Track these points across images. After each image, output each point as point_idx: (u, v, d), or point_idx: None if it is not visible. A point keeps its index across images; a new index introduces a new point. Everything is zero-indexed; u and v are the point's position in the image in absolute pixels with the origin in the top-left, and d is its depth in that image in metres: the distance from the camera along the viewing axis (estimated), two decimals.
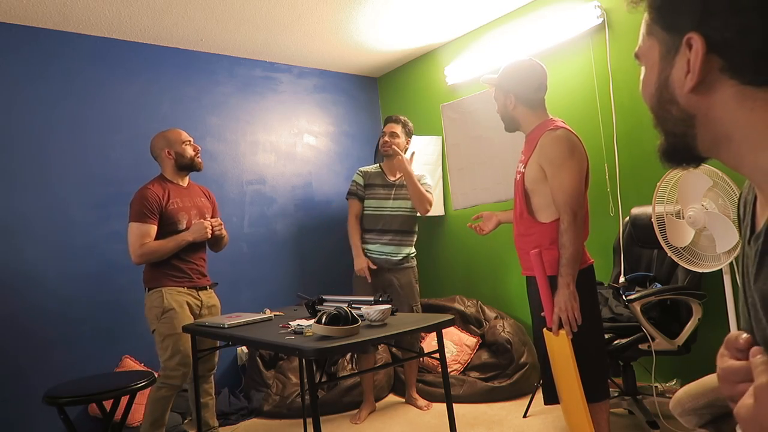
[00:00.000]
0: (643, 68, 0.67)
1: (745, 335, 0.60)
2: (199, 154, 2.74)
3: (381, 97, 4.80)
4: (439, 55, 4.17)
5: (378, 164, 3.42)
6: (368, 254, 3.29)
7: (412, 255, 3.35)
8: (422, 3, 3.38)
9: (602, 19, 3.08)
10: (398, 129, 3.28)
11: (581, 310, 1.90)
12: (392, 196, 3.29)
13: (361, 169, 3.43)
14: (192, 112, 3.76)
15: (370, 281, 3.20)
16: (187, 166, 2.71)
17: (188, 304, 2.59)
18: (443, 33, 3.92)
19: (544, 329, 1.96)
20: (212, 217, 2.79)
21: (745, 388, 0.58)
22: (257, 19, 3.42)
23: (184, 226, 2.62)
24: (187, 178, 2.77)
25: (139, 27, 3.36)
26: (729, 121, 0.57)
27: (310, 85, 4.39)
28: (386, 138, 3.28)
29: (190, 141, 2.72)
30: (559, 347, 1.89)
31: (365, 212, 3.34)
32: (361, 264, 3.22)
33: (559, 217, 1.93)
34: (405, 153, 3.33)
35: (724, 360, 0.61)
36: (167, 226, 2.58)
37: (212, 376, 2.73)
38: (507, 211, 2.42)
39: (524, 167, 2.03)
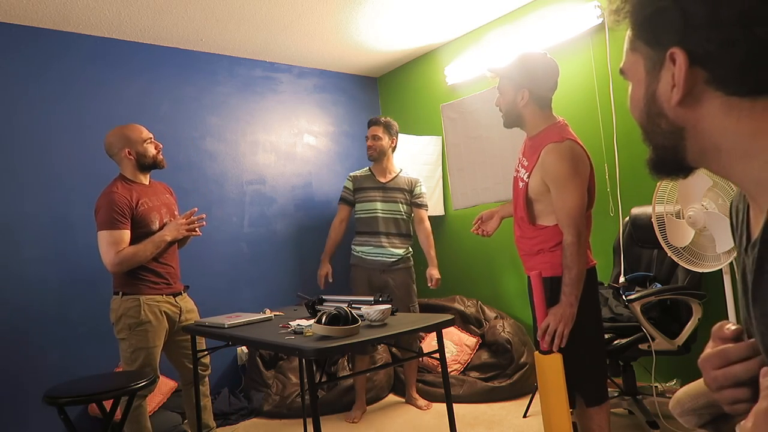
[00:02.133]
0: (630, 84, 0.67)
1: (730, 325, 0.62)
2: (160, 152, 2.55)
3: (381, 97, 4.80)
4: (439, 55, 4.17)
5: (368, 167, 3.43)
6: (362, 256, 3.30)
7: (408, 255, 3.36)
8: (422, 3, 3.38)
9: (602, 19, 3.07)
10: (380, 131, 3.30)
11: (584, 310, 1.86)
12: (382, 198, 3.30)
13: (351, 174, 3.46)
14: (192, 112, 3.76)
15: (322, 288, 3.28)
16: (150, 166, 2.52)
17: (166, 313, 2.47)
18: (443, 33, 3.92)
19: (536, 352, 1.92)
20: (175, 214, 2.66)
21: (717, 374, 0.60)
22: (257, 19, 3.42)
23: (156, 228, 2.47)
24: (148, 176, 2.58)
25: (139, 27, 3.36)
26: (717, 132, 0.58)
27: (310, 85, 4.39)
28: (369, 142, 3.32)
29: (151, 138, 2.52)
30: (551, 367, 1.83)
31: (358, 215, 3.36)
32: (323, 270, 3.37)
33: (564, 234, 1.86)
34: (392, 151, 3.37)
35: (706, 350, 0.62)
36: (139, 229, 2.41)
37: (207, 378, 2.67)
38: (505, 205, 2.35)
39: (527, 175, 1.96)
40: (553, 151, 1.86)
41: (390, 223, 3.28)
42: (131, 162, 2.49)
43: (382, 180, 3.33)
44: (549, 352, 1.84)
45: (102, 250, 2.37)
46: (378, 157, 3.31)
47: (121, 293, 2.42)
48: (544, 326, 1.83)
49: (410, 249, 3.37)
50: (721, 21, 0.54)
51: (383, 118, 3.35)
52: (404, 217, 3.33)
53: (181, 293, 2.60)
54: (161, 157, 2.56)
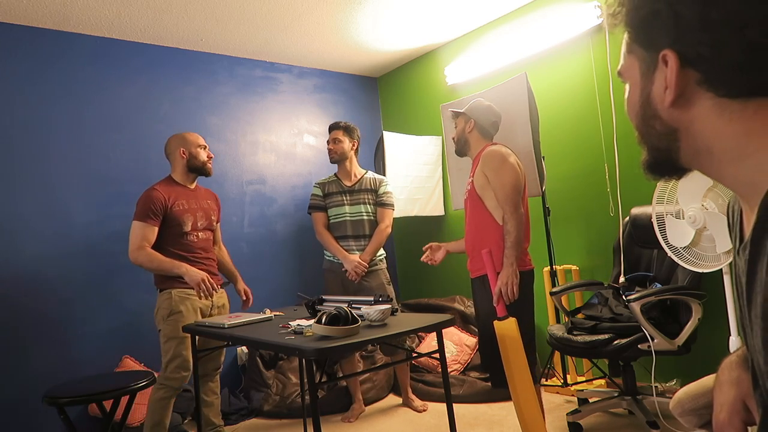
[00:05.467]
0: (627, 86, 0.68)
1: None
2: (211, 161, 2.76)
3: (381, 97, 4.80)
4: (439, 55, 4.17)
5: (334, 173, 3.43)
6: (334, 260, 3.29)
7: (381, 257, 3.34)
8: (422, 3, 3.38)
9: (602, 19, 3.07)
10: (340, 134, 3.32)
11: (521, 305, 2.26)
12: (348, 201, 3.30)
13: (317, 181, 3.45)
14: (192, 112, 3.76)
15: (358, 281, 3.18)
16: (198, 169, 2.72)
17: (198, 306, 2.61)
18: (443, 33, 3.92)
19: (495, 321, 2.21)
20: (217, 220, 2.83)
21: None
22: (257, 19, 3.42)
23: (189, 228, 2.62)
24: (195, 182, 2.77)
25: (139, 27, 3.36)
26: (709, 134, 0.59)
27: (310, 85, 4.38)
28: (330, 146, 3.34)
29: (205, 146, 2.75)
30: (509, 330, 2.16)
31: (329, 221, 3.34)
32: (353, 261, 3.17)
33: (502, 209, 2.29)
34: (355, 154, 3.38)
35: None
36: (172, 228, 2.58)
37: (218, 375, 2.74)
38: (453, 242, 2.76)
39: (472, 177, 2.44)
40: (487, 150, 2.41)
41: (358, 226, 3.27)
42: (183, 162, 2.68)
43: (348, 183, 3.34)
44: (504, 317, 2.20)
45: (131, 237, 2.54)
46: (339, 159, 3.33)
47: (159, 290, 2.61)
48: (498, 290, 2.22)
49: (382, 250, 3.36)
50: (712, 23, 0.54)
51: (343, 123, 3.38)
52: (372, 218, 3.31)
53: (216, 289, 2.65)
54: (210, 165, 2.76)
